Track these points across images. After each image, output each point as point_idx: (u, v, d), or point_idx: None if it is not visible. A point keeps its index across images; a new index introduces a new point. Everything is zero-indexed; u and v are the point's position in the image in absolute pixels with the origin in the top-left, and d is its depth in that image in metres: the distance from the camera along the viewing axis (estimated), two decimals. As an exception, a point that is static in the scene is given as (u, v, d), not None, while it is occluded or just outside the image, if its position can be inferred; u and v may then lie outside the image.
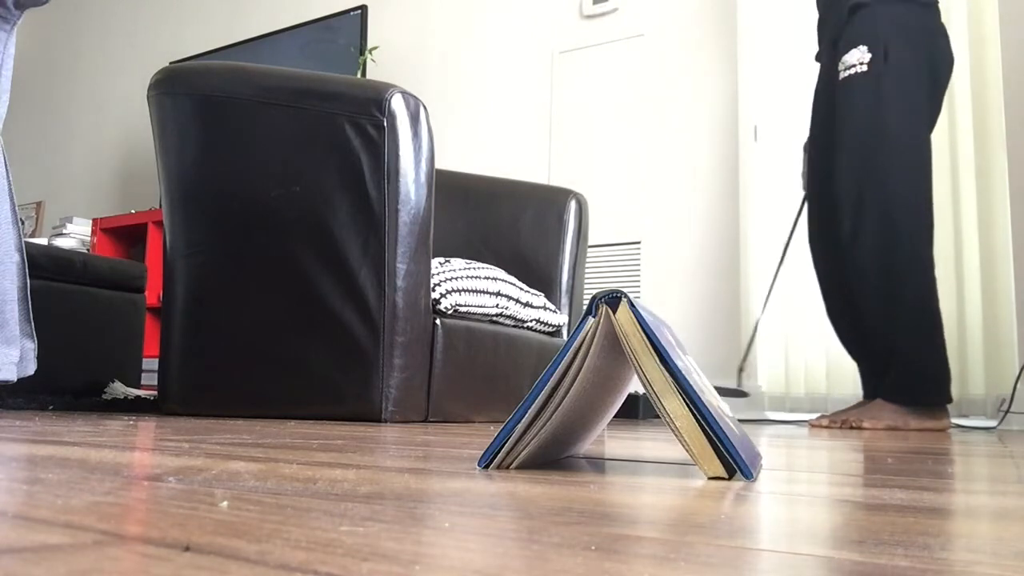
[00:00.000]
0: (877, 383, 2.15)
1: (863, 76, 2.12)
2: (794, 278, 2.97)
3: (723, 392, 2.47)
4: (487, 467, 0.66)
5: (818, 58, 2.37)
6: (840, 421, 2.09)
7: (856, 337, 2.21)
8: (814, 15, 2.63)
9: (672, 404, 0.61)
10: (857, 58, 2.13)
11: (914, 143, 2.11)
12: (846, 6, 2.20)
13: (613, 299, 0.63)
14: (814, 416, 2.48)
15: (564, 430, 0.68)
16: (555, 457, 0.76)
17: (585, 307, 0.64)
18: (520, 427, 0.65)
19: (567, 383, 0.64)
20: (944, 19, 2.24)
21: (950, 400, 2.09)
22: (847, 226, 2.12)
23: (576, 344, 0.63)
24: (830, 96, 2.25)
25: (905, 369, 2.07)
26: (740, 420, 2.25)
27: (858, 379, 2.29)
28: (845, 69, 2.16)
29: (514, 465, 0.66)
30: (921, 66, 2.13)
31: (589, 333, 0.63)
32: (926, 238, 2.10)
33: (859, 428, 2.03)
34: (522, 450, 0.65)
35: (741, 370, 2.58)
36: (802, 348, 2.87)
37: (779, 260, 2.57)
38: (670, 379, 0.61)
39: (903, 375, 2.08)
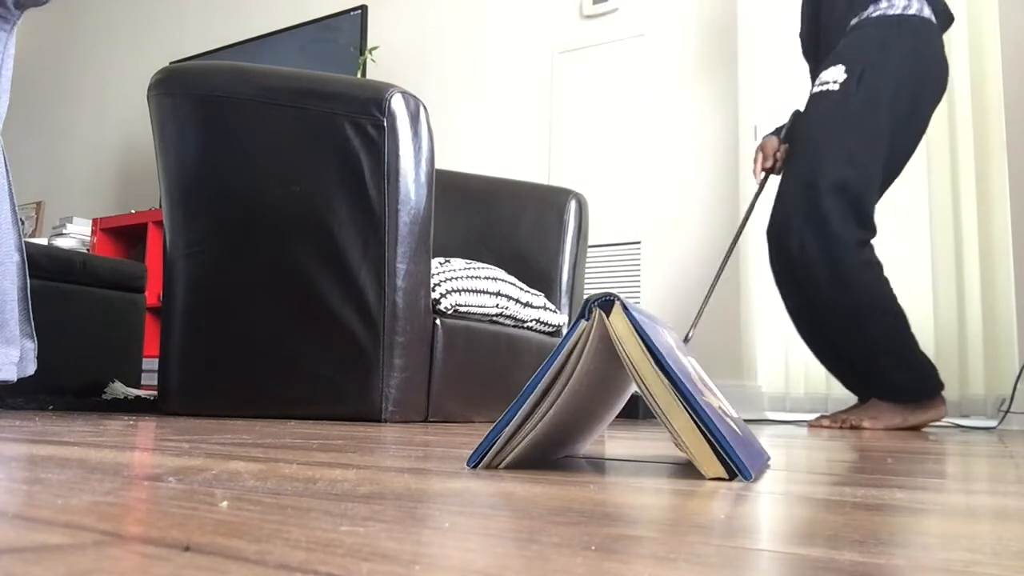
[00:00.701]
0: (864, 386, 2.15)
1: (832, 93, 2.12)
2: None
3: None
4: (476, 467, 0.66)
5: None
6: (840, 421, 2.09)
7: (829, 352, 2.19)
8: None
9: (670, 408, 0.61)
10: (832, 76, 2.13)
11: (863, 168, 2.09)
12: (844, 26, 2.19)
13: (606, 302, 0.63)
14: (813, 416, 2.47)
15: (558, 431, 0.68)
16: (550, 457, 0.76)
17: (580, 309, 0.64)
18: (510, 429, 0.65)
19: (559, 385, 0.64)
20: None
21: (942, 387, 2.09)
22: (795, 242, 2.10)
23: (568, 347, 0.63)
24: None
25: (887, 373, 2.07)
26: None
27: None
28: (819, 84, 2.16)
29: (503, 465, 0.66)
30: (898, 94, 2.10)
31: (582, 336, 0.63)
32: (868, 246, 2.09)
33: (859, 428, 2.03)
34: (512, 450, 0.65)
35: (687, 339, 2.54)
36: (802, 348, 2.87)
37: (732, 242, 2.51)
38: (667, 382, 0.61)
39: (888, 379, 2.07)
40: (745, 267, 2.89)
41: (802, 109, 2.29)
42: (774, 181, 2.33)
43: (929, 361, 2.09)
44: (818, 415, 2.30)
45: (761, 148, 2.36)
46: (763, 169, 2.34)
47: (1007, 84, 2.55)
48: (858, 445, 1.25)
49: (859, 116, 2.10)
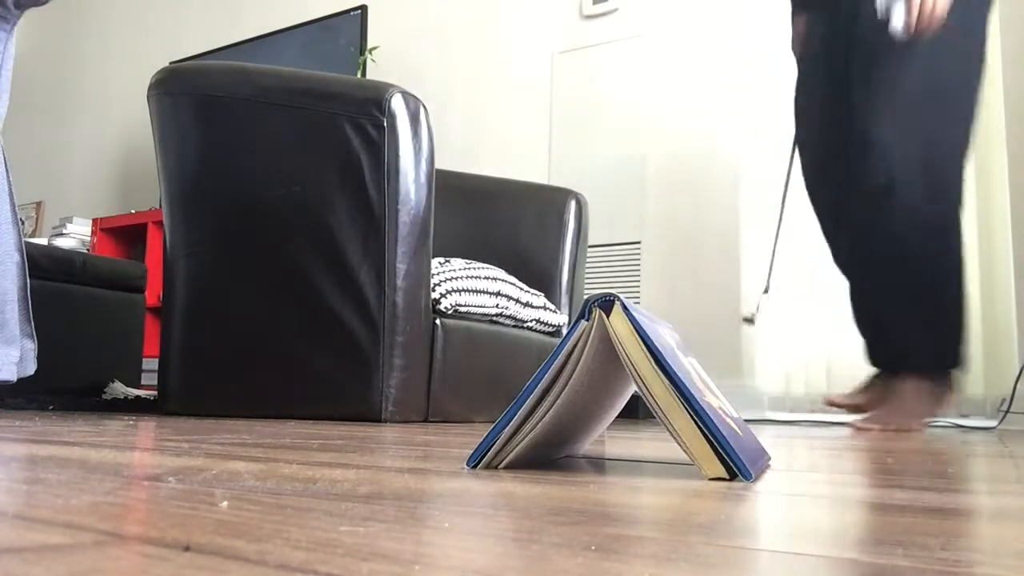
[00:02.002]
0: (895, 354, 2.08)
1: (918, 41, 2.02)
2: (793, 278, 2.97)
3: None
4: (475, 467, 0.66)
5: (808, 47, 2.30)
6: (881, 426, 2.01)
7: (883, 298, 2.12)
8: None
9: (670, 408, 0.61)
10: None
11: (966, 110, 2.05)
12: None
13: (606, 303, 0.63)
14: (811, 416, 2.47)
15: (557, 431, 0.68)
16: (549, 458, 0.76)
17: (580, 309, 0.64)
18: (509, 429, 0.65)
19: (559, 386, 0.64)
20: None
21: (962, 363, 2.06)
22: (882, 174, 2.04)
23: (568, 347, 0.63)
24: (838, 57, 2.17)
25: (940, 332, 2.02)
26: (747, 420, 2.23)
27: (859, 378, 2.28)
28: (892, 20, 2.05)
29: (503, 465, 0.66)
30: (982, 29, 2.06)
31: (582, 336, 0.63)
32: (959, 208, 2.06)
33: (907, 431, 1.94)
34: (511, 451, 0.65)
35: (750, 320, 2.52)
36: (801, 349, 2.87)
37: (778, 220, 2.48)
38: (667, 382, 0.61)
39: (940, 340, 2.02)
40: (746, 267, 2.89)
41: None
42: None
43: (964, 340, 2.06)
44: (849, 418, 2.25)
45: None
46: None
47: (1007, 83, 2.55)
48: (858, 445, 1.25)
49: (956, 56, 2.04)
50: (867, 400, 2.06)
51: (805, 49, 2.36)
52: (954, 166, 2.06)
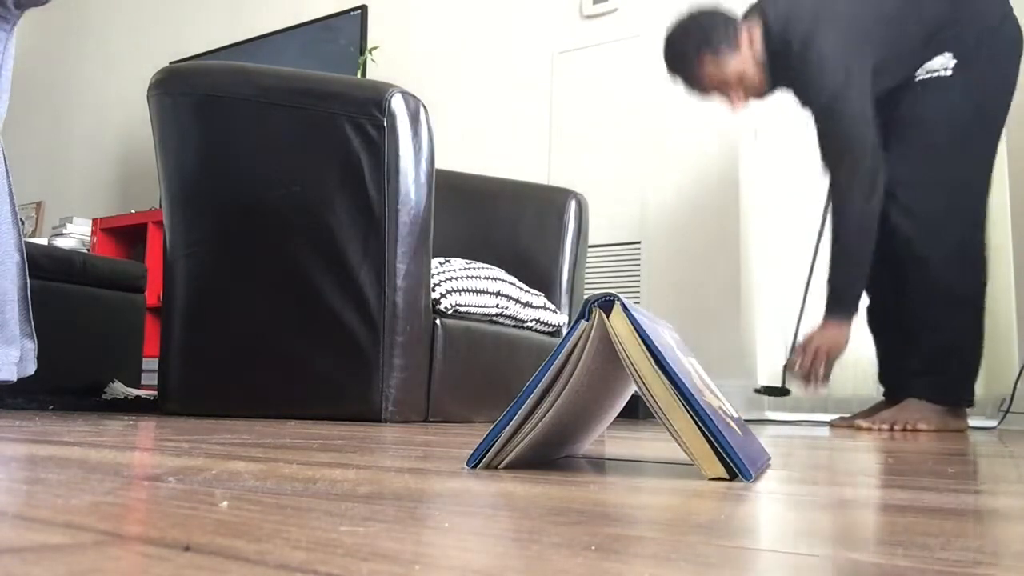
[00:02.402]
0: (908, 381, 2.11)
1: (945, 79, 2.09)
2: (793, 278, 2.97)
3: (768, 391, 2.43)
4: (475, 467, 0.66)
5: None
6: (889, 423, 2.05)
7: (896, 325, 2.16)
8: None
9: (670, 408, 0.61)
10: (941, 64, 2.10)
11: (986, 152, 2.11)
12: (932, 22, 2.14)
13: (607, 303, 0.63)
14: (811, 416, 2.47)
15: (557, 432, 0.68)
16: (549, 458, 0.76)
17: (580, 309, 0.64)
18: (509, 429, 0.65)
19: (559, 386, 0.64)
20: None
21: (973, 402, 2.10)
22: (899, 212, 2.08)
23: (568, 347, 0.63)
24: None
25: (952, 367, 2.06)
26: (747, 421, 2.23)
27: (857, 378, 2.28)
28: (927, 73, 2.12)
29: (503, 465, 0.66)
30: (1006, 78, 2.10)
31: (582, 336, 0.63)
32: (982, 231, 2.11)
33: (915, 431, 1.98)
34: (511, 451, 0.65)
35: (786, 368, 2.54)
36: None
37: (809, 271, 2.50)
38: (667, 382, 0.61)
39: (949, 373, 2.06)
40: (746, 267, 2.89)
41: None
42: None
43: (978, 369, 2.10)
44: (838, 416, 2.28)
45: None
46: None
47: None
48: (857, 446, 1.25)
49: (975, 102, 2.09)
50: (908, 423, 2.06)
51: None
52: (976, 196, 2.10)
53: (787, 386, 2.45)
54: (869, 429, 2.03)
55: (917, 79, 2.14)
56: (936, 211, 2.07)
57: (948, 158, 2.10)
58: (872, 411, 2.19)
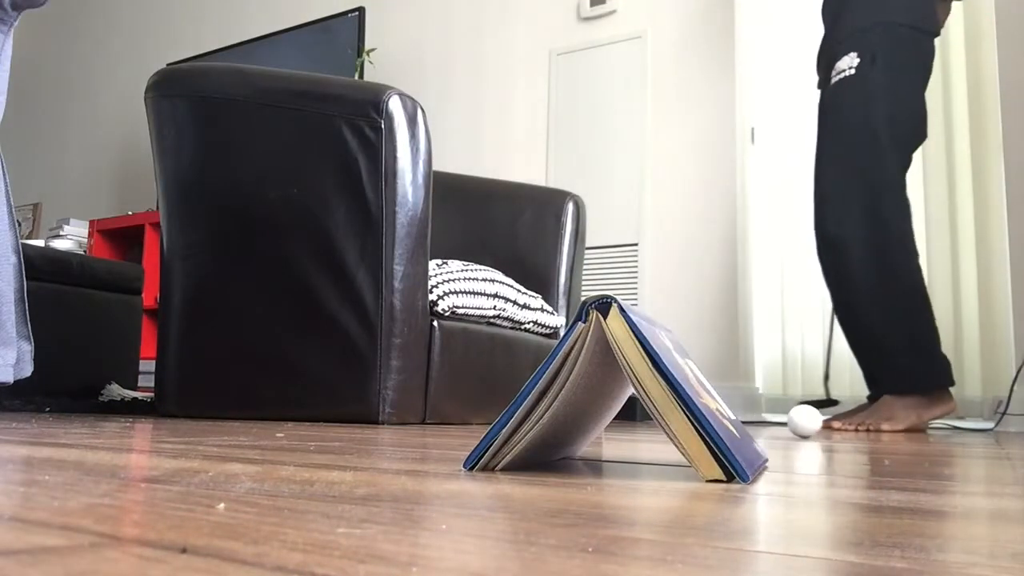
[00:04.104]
0: (879, 378, 2.16)
1: (850, 78, 2.18)
2: (793, 278, 2.97)
3: (814, 403, 2.41)
4: (472, 468, 0.66)
5: (819, 85, 2.39)
6: (855, 424, 2.09)
7: (854, 331, 2.22)
8: (811, 18, 2.63)
9: (667, 410, 0.61)
10: (847, 63, 2.20)
11: (897, 140, 2.16)
12: (846, 29, 2.24)
13: (604, 304, 0.63)
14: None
15: (554, 433, 0.68)
16: (546, 459, 0.76)
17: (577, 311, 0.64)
18: (506, 431, 0.65)
19: (556, 388, 0.64)
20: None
21: (952, 382, 2.11)
22: (832, 217, 2.16)
23: (565, 349, 0.63)
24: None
25: (904, 355, 2.10)
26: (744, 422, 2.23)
27: (856, 380, 2.29)
28: (836, 74, 2.22)
29: (500, 467, 0.66)
30: (913, 65, 2.18)
31: (579, 338, 0.63)
32: (909, 223, 2.15)
33: (877, 431, 2.02)
34: (508, 452, 0.65)
35: (827, 378, 2.57)
36: (800, 350, 2.87)
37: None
38: (664, 384, 0.61)
39: (903, 362, 2.10)
40: (744, 269, 2.90)
41: (807, 101, 2.33)
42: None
43: (945, 356, 2.12)
44: (826, 417, 2.29)
45: None
46: None
47: (1004, 84, 2.56)
48: (855, 447, 1.25)
49: (880, 93, 2.15)
50: (870, 423, 2.09)
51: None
52: (896, 197, 2.15)
53: (832, 397, 2.49)
54: (841, 430, 2.06)
55: (831, 83, 2.23)
56: (855, 212, 2.14)
57: (855, 148, 2.17)
58: (853, 412, 2.21)
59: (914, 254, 2.13)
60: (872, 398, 2.22)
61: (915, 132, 2.21)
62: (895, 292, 2.10)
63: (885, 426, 2.03)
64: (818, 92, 2.35)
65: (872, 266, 2.11)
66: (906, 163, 2.19)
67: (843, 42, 2.24)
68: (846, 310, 2.20)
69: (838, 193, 2.17)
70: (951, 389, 2.12)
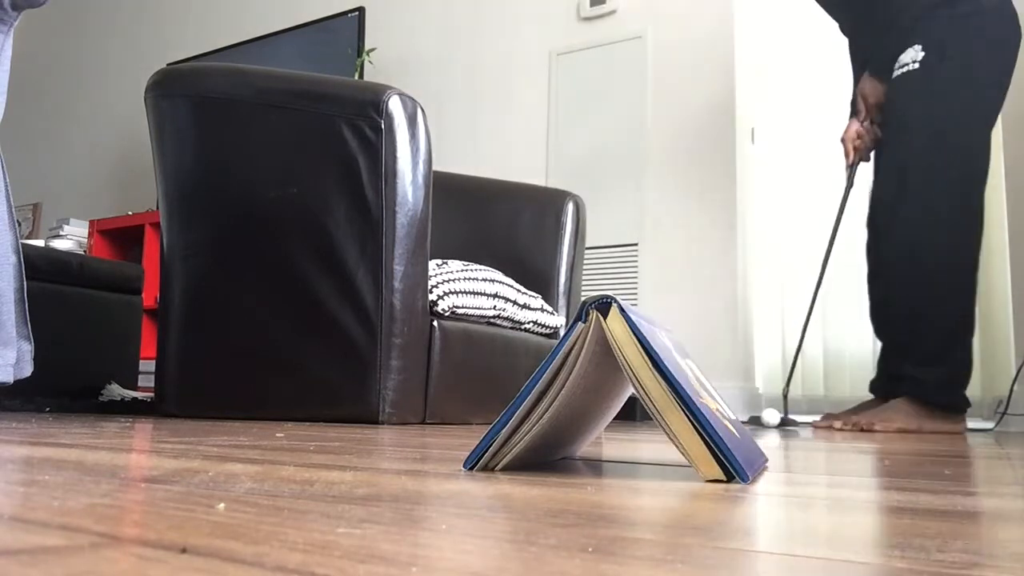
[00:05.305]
0: (894, 381, 2.11)
1: (915, 73, 2.09)
2: (793, 279, 2.97)
3: (785, 423, 2.35)
4: (472, 468, 0.66)
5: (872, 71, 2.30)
6: (851, 423, 2.06)
7: (887, 326, 2.15)
8: (811, 18, 2.63)
9: (667, 410, 0.61)
10: (911, 56, 2.10)
11: (965, 140, 2.07)
12: (907, 16, 2.15)
13: (604, 304, 0.63)
14: (812, 418, 2.47)
15: (554, 433, 0.68)
16: (546, 459, 0.76)
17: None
18: (506, 431, 0.65)
19: (556, 388, 0.64)
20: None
21: (968, 404, 2.07)
22: (885, 213, 2.10)
23: (565, 349, 0.63)
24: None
25: (932, 368, 2.04)
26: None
27: (855, 380, 2.29)
28: (899, 68, 2.13)
29: (500, 467, 0.66)
30: (982, 64, 2.08)
31: (579, 338, 0.63)
32: (969, 237, 2.06)
33: (870, 431, 1.99)
34: (508, 452, 0.65)
35: (785, 396, 2.49)
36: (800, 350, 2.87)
37: (821, 269, 2.46)
38: (664, 384, 0.61)
39: (929, 373, 2.04)
40: (743, 269, 2.90)
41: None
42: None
43: (969, 376, 2.08)
44: (822, 415, 2.29)
45: (843, 140, 2.33)
46: (851, 163, 2.31)
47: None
48: (855, 447, 1.25)
49: (948, 91, 2.07)
50: (863, 422, 2.06)
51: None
52: (958, 206, 2.05)
53: (792, 418, 2.44)
54: (842, 429, 2.04)
55: (893, 76, 2.16)
56: (923, 224, 2.06)
57: (918, 146, 2.09)
58: (855, 411, 2.19)
59: (968, 269, 2.06)
60: (877, 396, 2.19)
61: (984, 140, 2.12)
62: (938, 302, 2.04)
63: (879, 426, 2.00)
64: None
65: (918, 269, 2.04)
66: (982, 171, 2.10)
67: (902, 29, 2.13)
68: (890, 313, 2.12)
69: (892, 200, 2.08)
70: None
